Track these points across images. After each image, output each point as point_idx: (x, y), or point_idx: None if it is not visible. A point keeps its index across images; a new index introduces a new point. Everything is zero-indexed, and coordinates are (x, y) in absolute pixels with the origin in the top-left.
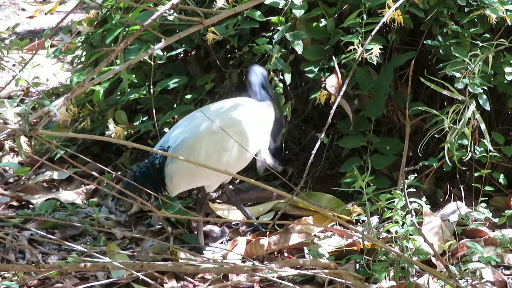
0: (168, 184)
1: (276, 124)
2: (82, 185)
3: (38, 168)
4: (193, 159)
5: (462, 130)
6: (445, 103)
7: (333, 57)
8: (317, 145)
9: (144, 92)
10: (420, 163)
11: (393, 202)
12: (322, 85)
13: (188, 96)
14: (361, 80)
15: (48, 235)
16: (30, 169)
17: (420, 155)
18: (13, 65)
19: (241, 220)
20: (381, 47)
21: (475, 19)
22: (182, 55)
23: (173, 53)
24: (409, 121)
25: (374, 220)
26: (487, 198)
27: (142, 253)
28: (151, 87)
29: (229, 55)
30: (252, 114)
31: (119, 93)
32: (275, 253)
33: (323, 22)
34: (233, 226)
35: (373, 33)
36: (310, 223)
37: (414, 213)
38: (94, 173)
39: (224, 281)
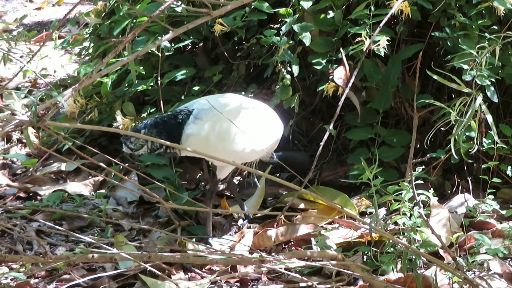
0: (183, 141)
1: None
2: (90, 177)
3: (46, 160)
4: (214, 126)
5: (469, 123)
6: (453, 95)
7: (341, 49)
8: (325, 137)
9: (152, 84)
10: (428, 155)
11: (401, 194)
12: (330, 77)
13: (196, 88)
14: (369, 72)
15: (56, 226)
16: (37, 161)
17: (428, 147)
18: (21, 57)
19: (247, 211)
20: (388, 38)
21: (483, 11)
22: (189, 46)
23: (181, 44)
24: (416, 113)
25: (382, 212)
26: (494, 190)
27: (149, 245)
28: (159, 78)
29: (236, 47)
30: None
31: (126, 85)
32: (283, 244)
33: (331, 14)
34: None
35: (381, 24)
36: (317, 215)
37: (421, 205)
38: (101, 164)
39: (232, 273)
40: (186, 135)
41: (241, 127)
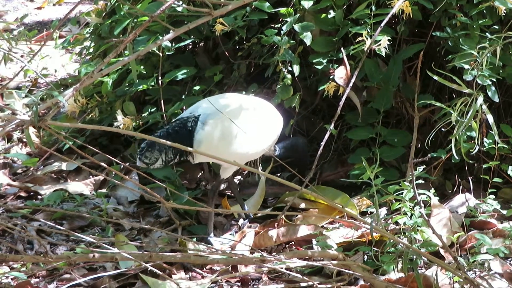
0: (195, 148)
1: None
2: (91, 176)
3: (47, 159)
4: (221, 129)
5: (470, 123)
6: (454, 95)
7: (342, 49)
8: (326, 137)
9: (153, 83)
10: (429, 155)
11: (402, 193)
12: (331, 77)
13: (197, 87)
14: (370, 71)
15: (57, 226)
16: (38, 160)
17: (429, 147)
18: (22, 56)
19: (247, 211)
20: (389, 38)
21: (484, 11)
22: (190, 46)
23: (182, 44)
24: (417, 113)
25: (383, 211)
26: (495, 190)
27: (150, 244)
28: (160, 78)
29: (237, 47)
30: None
31: (127, 84)
32: (284, 244)
33: (332, 14)
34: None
35: (382, 24)
36: (318, 214)
37: (422, 205)
38: (102, 164)
39: (232, 272)
40: (197, 142)
41: (247, 128)
